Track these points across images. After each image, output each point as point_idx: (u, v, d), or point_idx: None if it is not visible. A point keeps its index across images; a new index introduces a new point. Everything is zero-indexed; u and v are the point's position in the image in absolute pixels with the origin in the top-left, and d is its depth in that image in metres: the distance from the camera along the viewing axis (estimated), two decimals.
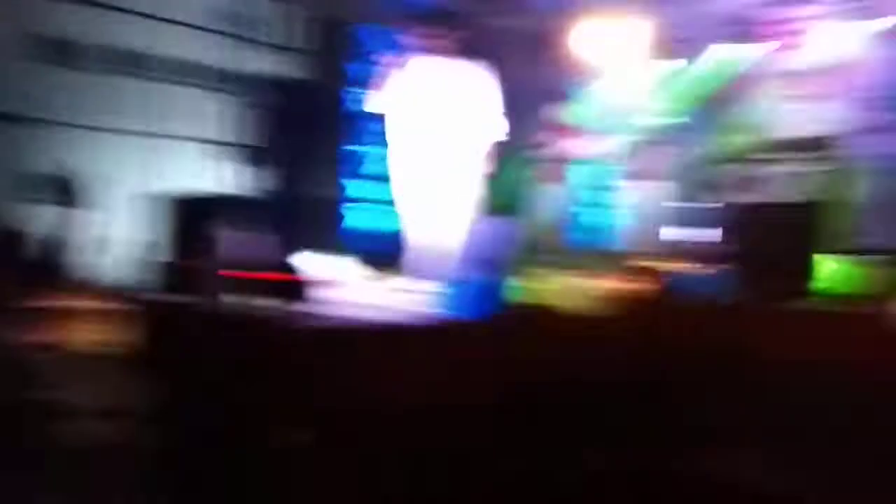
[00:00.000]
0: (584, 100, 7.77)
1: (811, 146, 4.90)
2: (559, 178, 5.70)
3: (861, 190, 5.74)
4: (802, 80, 5.30)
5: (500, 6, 6.65)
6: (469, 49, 3.96)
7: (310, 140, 5.47)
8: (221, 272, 2.87)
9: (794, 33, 6.27)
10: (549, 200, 5.65)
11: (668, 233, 6.06)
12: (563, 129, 5.71)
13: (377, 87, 3.90)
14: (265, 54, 5.44)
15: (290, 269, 2.89)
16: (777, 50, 6.27)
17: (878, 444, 2.66)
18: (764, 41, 6.88)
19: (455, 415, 2.47)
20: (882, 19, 5.23)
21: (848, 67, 5.37)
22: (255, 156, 5.51)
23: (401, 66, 3.80)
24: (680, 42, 7.42)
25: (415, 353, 2.59)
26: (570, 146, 5.66)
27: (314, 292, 2.87)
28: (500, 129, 3.66)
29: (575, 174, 7.19)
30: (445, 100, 3.78)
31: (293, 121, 5.42)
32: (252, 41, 5.36)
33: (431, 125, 3.84)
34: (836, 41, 6.37)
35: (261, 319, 2.62)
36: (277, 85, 6.19)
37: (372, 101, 3.96)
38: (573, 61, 7.59)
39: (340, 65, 5.65)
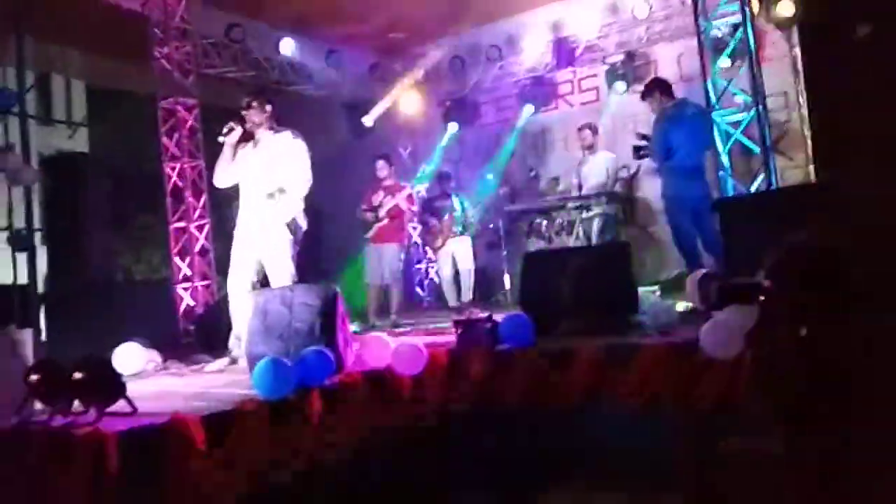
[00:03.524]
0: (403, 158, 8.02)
1: (596, 193, 5.37)
2: (396, 236, 5.73)
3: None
4: (583, 132, 5.80)
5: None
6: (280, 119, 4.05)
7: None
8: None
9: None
10: (387, 259, 5.66)
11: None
12: (390, 186, 5.79)
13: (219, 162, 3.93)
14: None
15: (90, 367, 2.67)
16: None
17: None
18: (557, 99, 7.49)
19: None
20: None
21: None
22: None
23: (233, 141, 3.85)
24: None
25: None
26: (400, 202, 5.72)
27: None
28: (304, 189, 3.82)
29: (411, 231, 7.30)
30: (262, 171, 3.84)
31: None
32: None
33: (252, 196, 3.88)
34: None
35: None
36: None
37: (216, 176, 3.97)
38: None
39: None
